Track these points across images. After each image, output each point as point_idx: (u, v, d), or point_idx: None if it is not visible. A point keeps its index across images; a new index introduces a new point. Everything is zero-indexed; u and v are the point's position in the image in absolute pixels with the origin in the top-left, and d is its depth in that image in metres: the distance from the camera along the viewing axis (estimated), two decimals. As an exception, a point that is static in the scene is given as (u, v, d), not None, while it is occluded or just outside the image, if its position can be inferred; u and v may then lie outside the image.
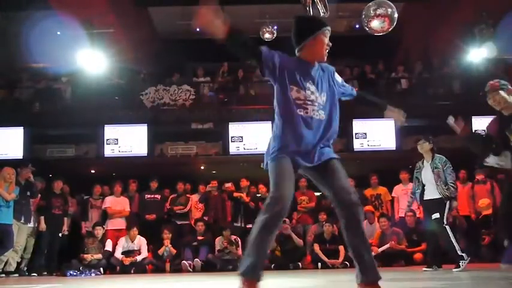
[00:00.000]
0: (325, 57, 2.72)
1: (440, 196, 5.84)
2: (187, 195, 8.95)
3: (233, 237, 7.96)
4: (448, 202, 5.82)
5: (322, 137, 2.65)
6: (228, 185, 8.88)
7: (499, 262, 5.50)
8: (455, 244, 5.64)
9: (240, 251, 7.87)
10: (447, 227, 5.77)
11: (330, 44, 2.70)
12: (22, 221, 7.30)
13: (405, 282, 3.92)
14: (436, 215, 5.83)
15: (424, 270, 5.80)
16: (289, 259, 7.78)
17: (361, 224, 2.53)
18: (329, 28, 2.68)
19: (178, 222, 8.69)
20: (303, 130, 2.57)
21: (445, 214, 5.82)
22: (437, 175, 5.92)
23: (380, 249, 7.53)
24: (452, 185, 5.87)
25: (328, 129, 2.69)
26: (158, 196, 8.67)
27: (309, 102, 2.62)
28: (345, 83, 2.93)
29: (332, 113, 2.74)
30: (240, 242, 7.96)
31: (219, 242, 7.94)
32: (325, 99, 2.71)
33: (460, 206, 8.36)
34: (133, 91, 11.03)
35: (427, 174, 6.03)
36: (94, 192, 8.66)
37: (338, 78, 2.86)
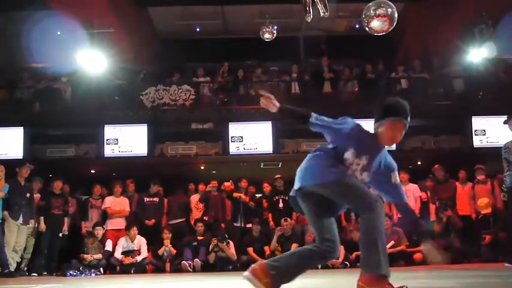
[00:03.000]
0: (392, 144, 2.85)
1: None
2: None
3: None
4: None
5: None
6: (228, 184, 8.88)
7: (499, 262, 5.49)
8: None
9: (231, 249, 7.83)
10: None
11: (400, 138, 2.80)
12: (20, 221, 7.28)
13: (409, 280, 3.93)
14: None
15: (507, 266, 5.32)
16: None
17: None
18: (406, 122, 2.76)
19: (178, 221, 8.69)
20: None
21: None
22: None
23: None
24: None
25: None
26: (157, 199, 8.63)
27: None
28: (398, 185, 2.89)
29: None
30: (231, 243, 7.93)
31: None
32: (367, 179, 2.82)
33: (460, 206, 8.37)
34: (133, 91, 11.03)
35: None
36: (94, 192, 8.65)
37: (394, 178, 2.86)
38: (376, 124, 2.77)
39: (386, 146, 2.83)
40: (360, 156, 2.72)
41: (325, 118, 2.81)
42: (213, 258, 7.76)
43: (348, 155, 2.71)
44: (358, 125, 2.80)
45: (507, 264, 5.37)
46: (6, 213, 7.13)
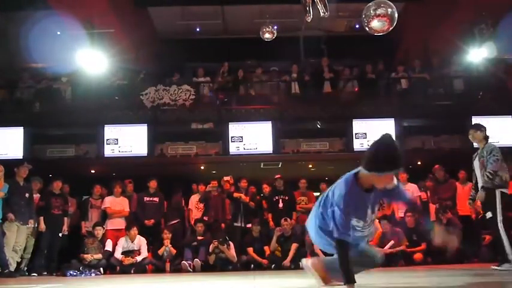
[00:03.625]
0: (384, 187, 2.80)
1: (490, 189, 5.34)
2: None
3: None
4: (497, 193, 5.26)
5: None
6: (227, 178, 8.86)
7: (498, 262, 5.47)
8: (506, 246, 5.18)
9: (232, 250, 7.83)
10: (500, 227, 5.22)
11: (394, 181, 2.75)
12: (20, 222, 7.27)
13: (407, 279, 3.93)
14: (489, 214, 5.37)
15: (494, 269, 5.24)
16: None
17: None
18: (401, 169, 2.78)
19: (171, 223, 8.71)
20: None
21: (498, 209, 5.26)
22: (482, 164, 5.41)
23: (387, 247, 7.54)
24: (488, 173, 5.30)
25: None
26: (156, 199, 8.63)
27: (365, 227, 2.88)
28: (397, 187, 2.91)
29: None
30: (231, 244, 7.89)
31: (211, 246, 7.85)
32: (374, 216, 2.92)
33: (460, 206, 8.37)
34: (133, 91, 11.03)
35: (476, 165, 5.58)
36: (94, 192, 8.65)
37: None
38: (367, 173, 2.67)
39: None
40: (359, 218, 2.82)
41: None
42: (213, 260, 7.75)
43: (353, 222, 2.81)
44: (346, 195, 2.74)
45: (494, 267, 5.38)
46: (11, 215, 7.13)
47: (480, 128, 5.67)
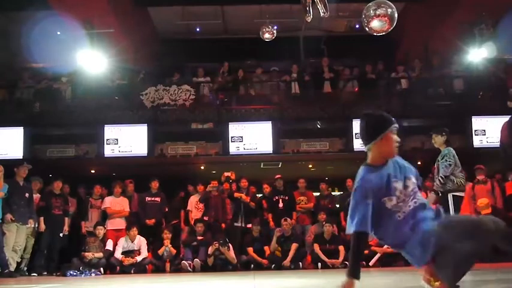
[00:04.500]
0: (395, 154, 2.68)
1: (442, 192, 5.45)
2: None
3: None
4: (449, 197, 5.37)
5: None
6: (228, 174, 8.86)
7: (498, 262, 5.48)
8: None
9: (231, 252, 7.82)
10: None
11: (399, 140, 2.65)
12: (19, 222, 7.27)
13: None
14: None
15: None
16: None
17: None
18: (396, 125, 2.62)
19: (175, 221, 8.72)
20: None
21: (451, 213, 5.23)
22: (437, 169, 5.53)
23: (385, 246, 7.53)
24: (440, 178, 5.40)
25: None
26: (158, 199, 8.64)
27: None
28: None
29: None
30: (231, 246, 7.87)
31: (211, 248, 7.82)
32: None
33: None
34: (133, 91, 11.03)
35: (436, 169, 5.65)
36: (94, 193, 8.66)
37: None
38: (372, 144, 2.61)
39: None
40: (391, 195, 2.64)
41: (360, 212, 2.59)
42: (212, 262, 7.73)
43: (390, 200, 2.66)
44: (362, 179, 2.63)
45: None
46: (9, 216, 7.13)
47: (442, 132, 5.66)
